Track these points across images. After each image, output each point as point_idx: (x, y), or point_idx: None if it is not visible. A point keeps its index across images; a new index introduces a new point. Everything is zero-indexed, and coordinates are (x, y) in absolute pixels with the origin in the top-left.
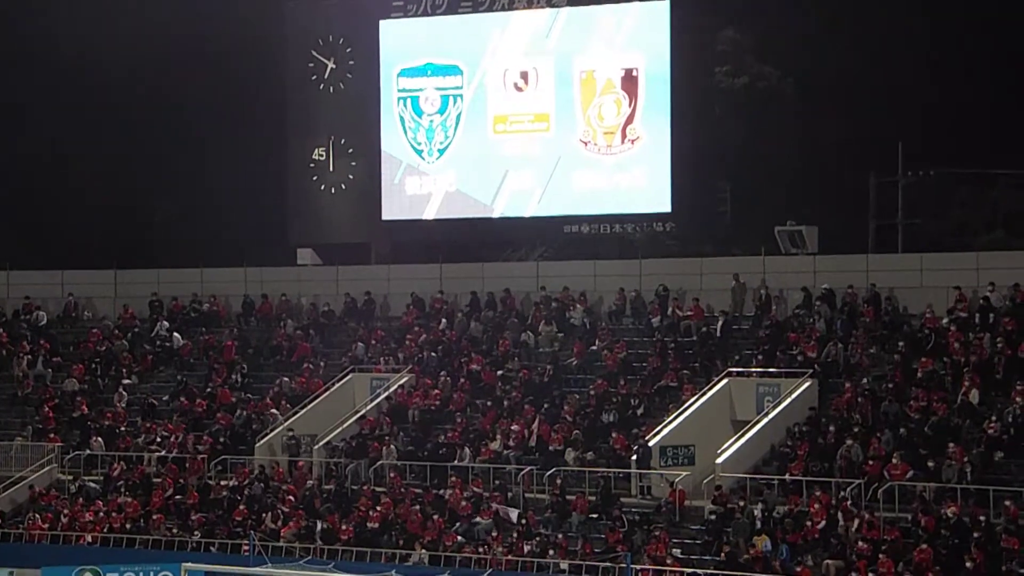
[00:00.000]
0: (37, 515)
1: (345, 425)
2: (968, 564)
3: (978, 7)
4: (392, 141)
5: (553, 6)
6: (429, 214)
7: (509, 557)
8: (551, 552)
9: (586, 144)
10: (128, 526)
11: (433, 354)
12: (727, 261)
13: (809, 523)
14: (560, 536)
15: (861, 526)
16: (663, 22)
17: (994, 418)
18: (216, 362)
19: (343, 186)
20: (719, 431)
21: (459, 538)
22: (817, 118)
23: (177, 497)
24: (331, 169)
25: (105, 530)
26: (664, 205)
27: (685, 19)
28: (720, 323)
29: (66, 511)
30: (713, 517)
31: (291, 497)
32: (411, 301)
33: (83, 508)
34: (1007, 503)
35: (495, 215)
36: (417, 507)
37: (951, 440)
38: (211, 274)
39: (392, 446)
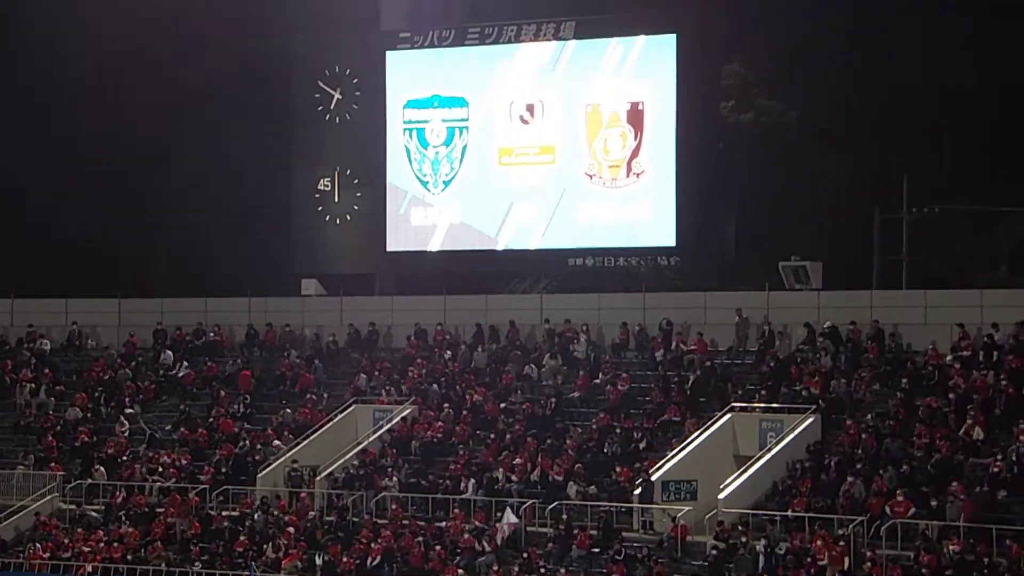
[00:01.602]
0: (38, 544)
1: (347, 456)
2: None
3: (984, 44)
4: (397, 172)
5: (560, 39)
6: (434, 246)
7: None
8: None
9: (591, 177)
10: (129, 556)
11: (436, 386)
12: (731, 296)
13: (811, 560)
14: (562, 570)
15: (863, 564)
16: (670, 56)
17: (999, 456)
18: (219, 392)
19: (348, 217)
20: (722, 466)
21: (460, 571)
22: (822, 154)
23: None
24: (336, 200)
25: (106, 560)
26: (669, 239)
27: (692, 53)
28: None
29: (67, 540)
30: (715, 552)
31: (292, 528)
32: (414, 332)
33: (84, 537)
34: (1009, 542)
35: (499, 247)
36: (419, 539)
37: (954, 478)
38: (215, 303)
39: (394, 478)
